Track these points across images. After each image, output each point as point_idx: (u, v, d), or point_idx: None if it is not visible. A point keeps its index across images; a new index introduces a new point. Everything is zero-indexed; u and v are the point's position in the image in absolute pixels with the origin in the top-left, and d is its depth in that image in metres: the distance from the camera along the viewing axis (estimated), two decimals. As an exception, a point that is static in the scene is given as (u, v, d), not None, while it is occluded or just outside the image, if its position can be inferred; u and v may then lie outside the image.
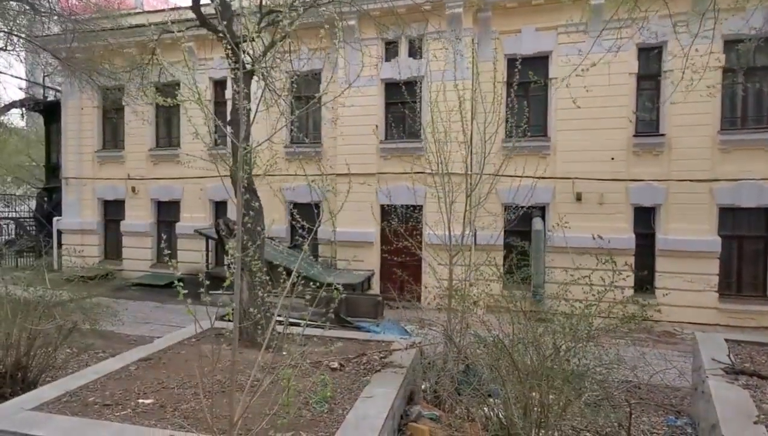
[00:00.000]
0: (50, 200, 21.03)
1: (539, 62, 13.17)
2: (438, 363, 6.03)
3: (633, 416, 4.53)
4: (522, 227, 14.30)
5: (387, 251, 11.30)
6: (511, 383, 3.96)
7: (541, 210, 13.39)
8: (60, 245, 18.35)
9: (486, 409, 4.60)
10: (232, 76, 6.64)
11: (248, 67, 7.48)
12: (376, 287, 14.60)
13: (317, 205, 15.87)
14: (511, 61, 12.99)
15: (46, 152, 21.87)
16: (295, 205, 16.03)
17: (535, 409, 3.80)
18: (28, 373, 6.01)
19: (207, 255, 15.95)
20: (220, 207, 16.60)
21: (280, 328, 6.25)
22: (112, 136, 18.11)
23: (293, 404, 4.14)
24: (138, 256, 17.28)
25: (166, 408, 4.08)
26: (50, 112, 20.65)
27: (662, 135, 12.44)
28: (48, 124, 21.35)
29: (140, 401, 4.18)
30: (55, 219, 18.19)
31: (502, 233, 14.31)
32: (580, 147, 12.90)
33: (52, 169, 21.28)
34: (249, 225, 6.41)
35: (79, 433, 3.51)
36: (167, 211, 17.20)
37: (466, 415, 5.02)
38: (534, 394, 3.82)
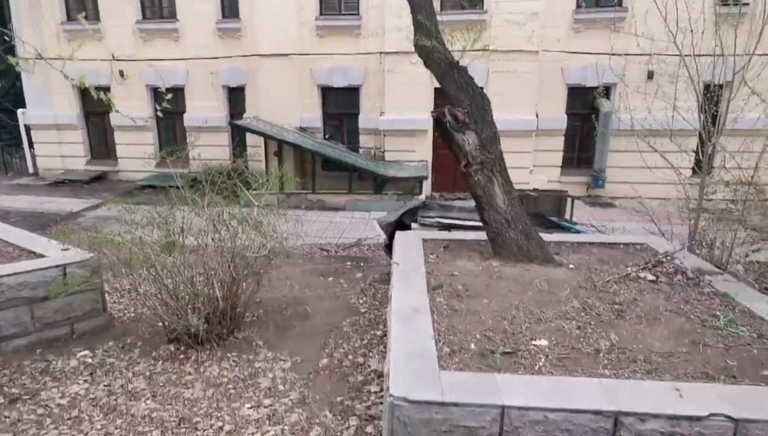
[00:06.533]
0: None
1: None
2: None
3: None
4: (582, 109, 13.73)
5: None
6: None
7: (606, 90, 12.68)
8: (31, 144, 15.44)
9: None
10: None
11: None
12: (428, 180, 13.74)
13: (356, 90, 14.17)
14: None
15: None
16: (329, 89, 14.20)
17: None
18: (236, 309, 4.88)
19: (231, 150, 14.12)
20: (235, 94, 14.37)
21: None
22: (80, 2, 14.55)
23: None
24: (137, 154, 14.90)
25: (578, 357, 3.25)
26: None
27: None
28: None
29: (535, 343, 3.34)
30: (19, 111, 15.02)
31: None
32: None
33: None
34: (478, 113, 5.25)
35: (560, 395, 2.70)
36: (169, 100, 14.62)
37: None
38: None
